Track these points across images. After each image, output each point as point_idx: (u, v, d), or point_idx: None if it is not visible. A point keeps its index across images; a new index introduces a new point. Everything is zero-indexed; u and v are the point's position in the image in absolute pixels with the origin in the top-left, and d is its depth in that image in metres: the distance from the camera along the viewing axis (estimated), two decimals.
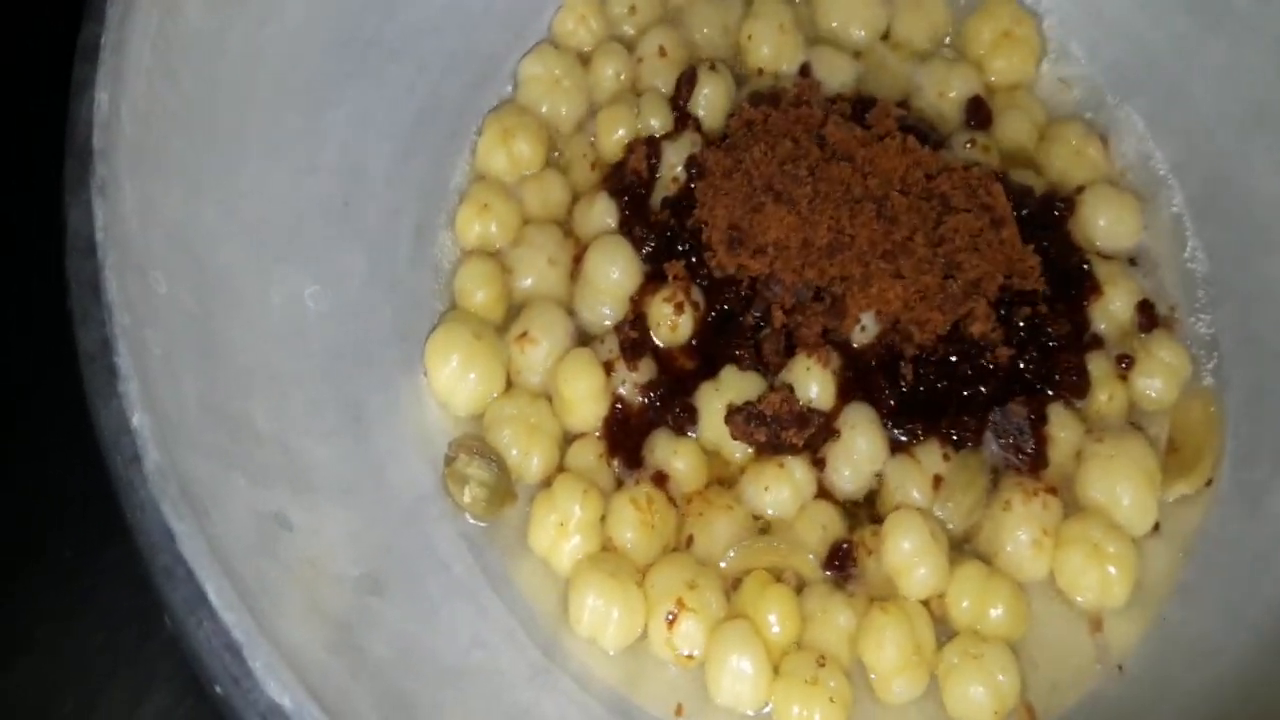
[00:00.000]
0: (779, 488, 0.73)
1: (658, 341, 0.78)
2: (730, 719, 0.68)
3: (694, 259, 0.80)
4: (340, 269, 0.75)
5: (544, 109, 0.86)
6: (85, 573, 0.79)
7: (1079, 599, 0.71)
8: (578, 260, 0.81)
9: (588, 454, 0.75)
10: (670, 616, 0.68)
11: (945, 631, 0.70)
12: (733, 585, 0.71)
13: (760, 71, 0.88)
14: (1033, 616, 0.71)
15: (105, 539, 0.78)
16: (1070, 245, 0.81)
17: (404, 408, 0.74)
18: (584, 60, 0.88)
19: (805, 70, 0.87)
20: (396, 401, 0.74)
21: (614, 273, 0.79)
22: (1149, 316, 0.79)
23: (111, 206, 0.59)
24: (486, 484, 0.71)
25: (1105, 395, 0.76)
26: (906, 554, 0.70)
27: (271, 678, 0.49)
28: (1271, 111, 0.80)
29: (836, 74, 0.87)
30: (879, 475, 0.74)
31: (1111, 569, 0.70)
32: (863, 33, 0.89)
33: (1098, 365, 0.77)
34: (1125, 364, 0.77)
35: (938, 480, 0.74)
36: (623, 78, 0.87)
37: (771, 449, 0.74)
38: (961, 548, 0.73)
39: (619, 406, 0.76)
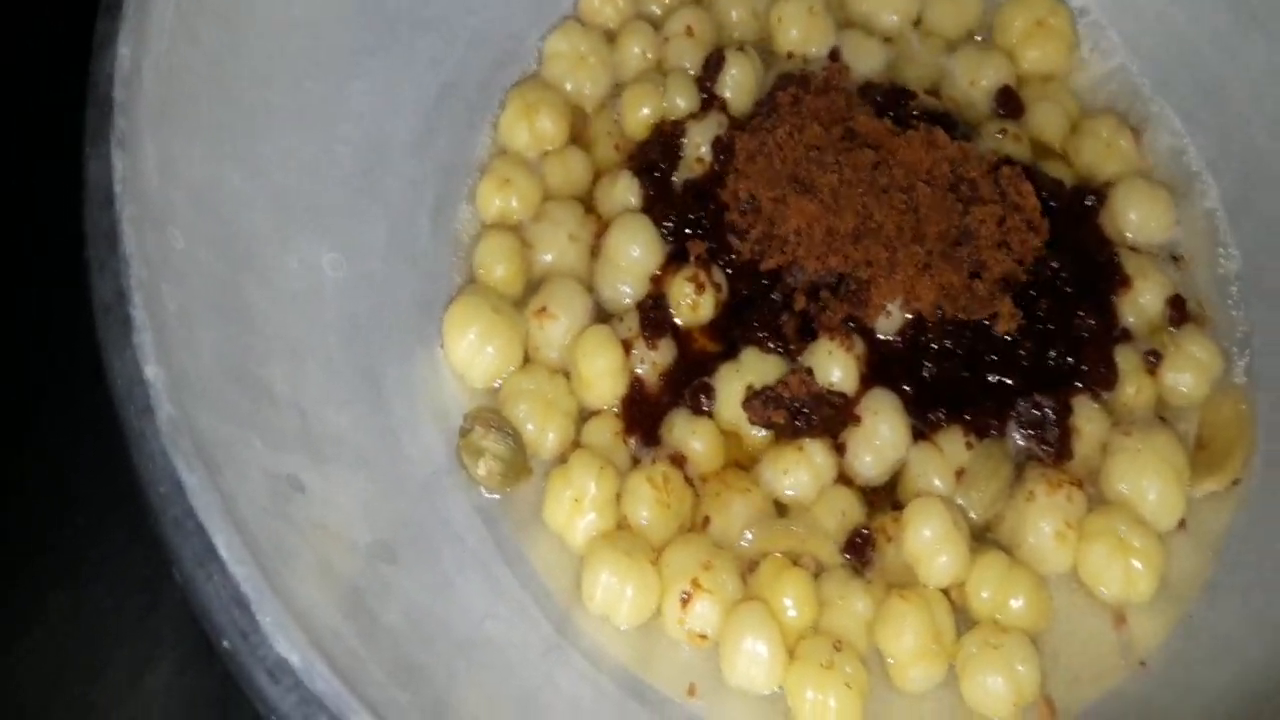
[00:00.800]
0: (798, 471, 0.72)
1: (678, 321, 0.77)
2: (743, 701, 0.67)
3: (716, 241, 0.79)
4: (360, 238, 0.74)
5: (568, 86, 0.85)
6: (96, 542, 0.78)
7: (1102, 592, 0.69)
8: (599, 238, 0.80)
9: (604, 431, 0.74)
10: (685, 596, 0.67)
11: (965, 622, 0.69)
12: (749, 568, 0.70)
13: (789, 55, 0.87)
14: (1055, 609, 0.69)
15: (116, 508, 0.77)
16: (1100, 238, 0.80)
17: (421, 379, 0.73)
18: (610, 38, 0.87)
19: (835, 55, 0.86)
20: (413, 373, 0.73)
21: (635, 250, 0.78)
22: (1180, 311, 0.78)
23: (131, 160, 0.59)
24: (501, 457, 0.70)
25: (1133, 389, 0.75)
26: (927, 541, 0.68)
27: (280, 634, 0.48)
28: None
29: (866, 59, 0.86)
30: (901, 462, 0.73)
31: (1136, 563, 0.69)
32: (894, 18, 0.88)
33: (1126, 359, 0.75)
34: (1154, 358, 0.76)
35: (960, 470, 0.72)
36: (649, 56, 0.86)
37: (790, 432, 0.73)
38: (983, 538, 0.72)
39: (637, 385, 0.75)
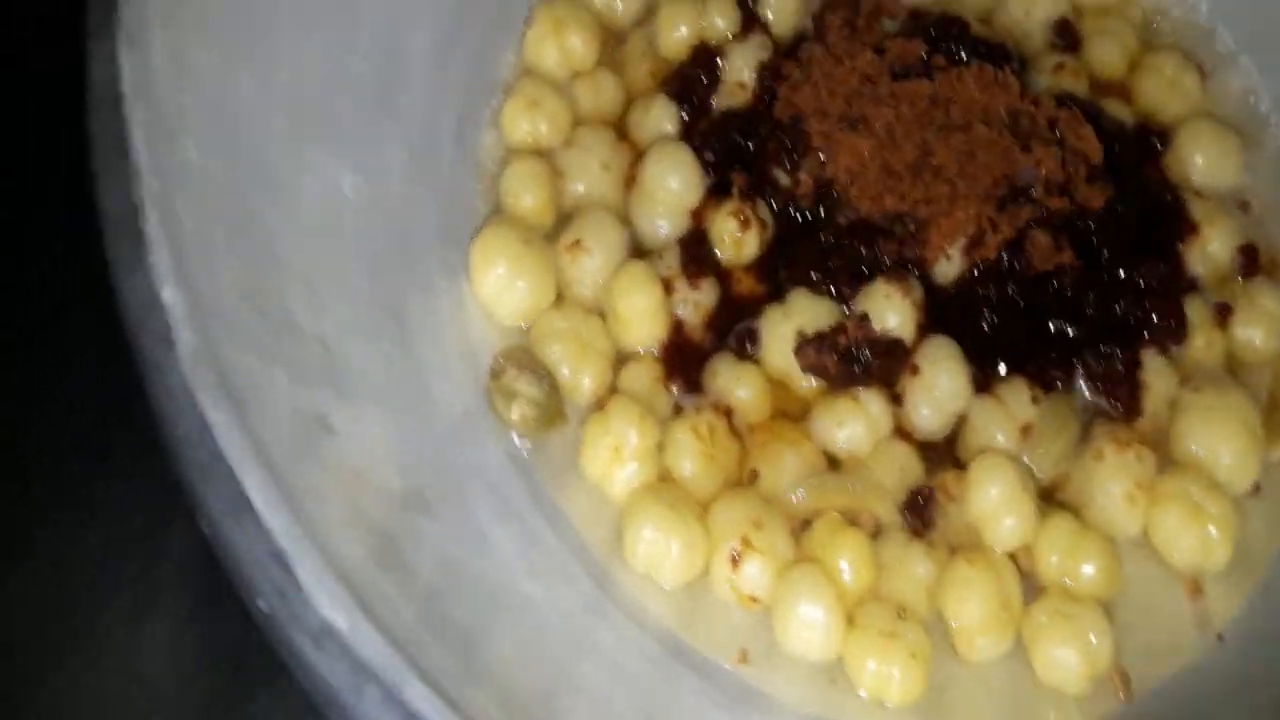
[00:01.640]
0: (853, 423, 0.67)
1: (721, 258, 0.72)
2: (798, 669, 0.62)
3: (761, 174, 0.73)
4: (379, 161, 0.68)
5: (599, 1, 0.79)
6: (91, 481, 0.72)
7: (1175, 559, 0.65)
8: (634, 167, 0.74)
9: (644, 376, 0.68)
10: (734, 555, 0.62)
11: (1030, 588, 0.64)
12: (801, 527, 0.65)
13: None
14: (1126, 577, 0.65)
15: (113, 446, 0.72)
16: (1164, 182, 0.75)
17: (446, 315, 0.68)
18: None
19: None
20: (438, 307, 0.67)
21: (673, 182, 0.72)
22: (1251, 260, 0.73)
23: (140, 59, 0.52)
24: (536, 401, 0.64)
25: (1202, 342, 0.70)
26: (993, 502, 0.64)
27: (323, 592, 0.42)
28: None
29: None
30: (961, 415, 0.68)
31: (1212, 529, 0.65)
32: None
33: (1195, 310, 0.71)
34: (1224, 311, 0.71)
35: (1025, 426, 0.68)
36: None
37: (844, 380, 0.68)
38: (1050, 499, 0.67)
39: (678, 327, 0.70)
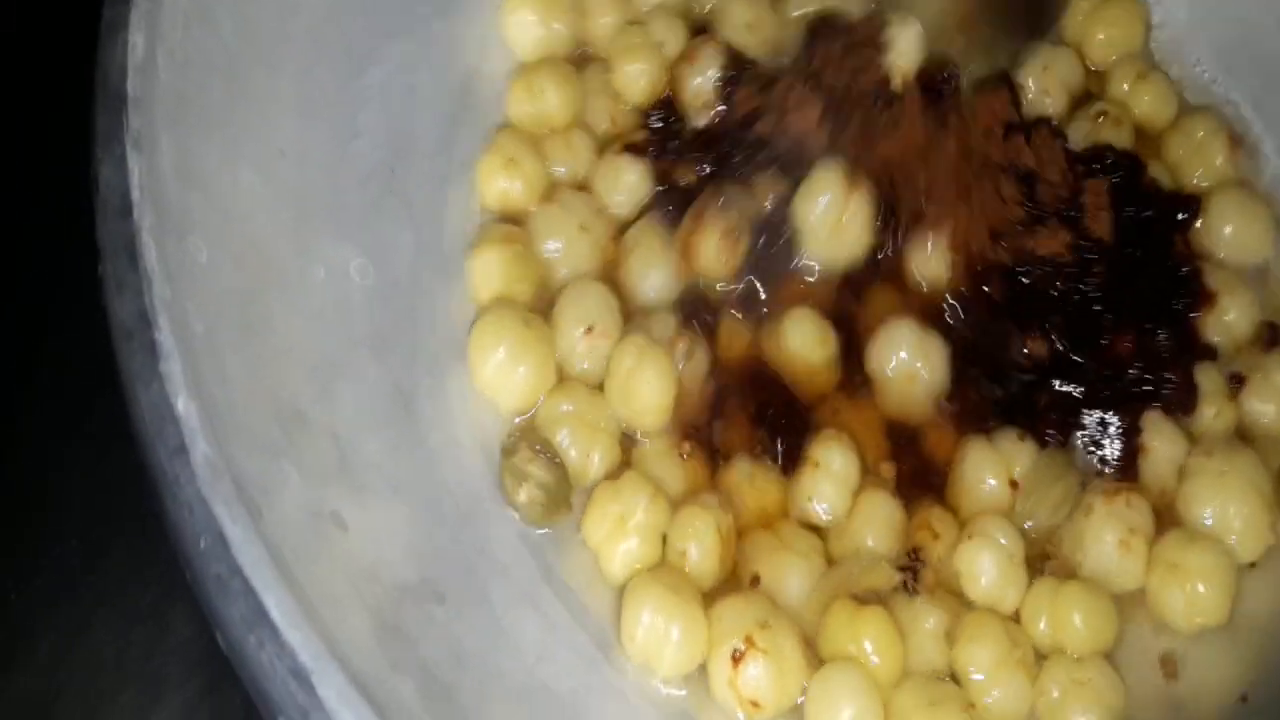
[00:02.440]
0: (821, 490, 0.66)
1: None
2: None
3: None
4: (385, 243, 0.68)
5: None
6: (94, 566, 0.72)
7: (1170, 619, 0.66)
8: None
9: (659, 455, 0.68)
10: (736, 654, 0.60)
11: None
12: (811, 634, 0.64)
13: None
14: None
15: (116, 530, 0.72)
16: (1187, 252, 0.75)
17: (456, 398, 0.67)
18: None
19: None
20: (448, 391, 0.67)
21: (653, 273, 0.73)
22: (1273, 335, 0.73)
23: (148, 162, 0.53)
24: (546, 486, 0.64)
25: (1212, 411, 0.70)
26: (988, 584, 0.64)
27: (346, 709, 0.42)
28: None
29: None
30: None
31: (1201, 587, 0.65)
32: None
33: (1207, 378, 0.71)
34: (1237, 382, 0.71)
35: (1015, 482, 0.68)
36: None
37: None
38: (1042, 568, 0.67)
39: (684, 394, 0.70)
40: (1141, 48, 0.83)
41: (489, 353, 0.68)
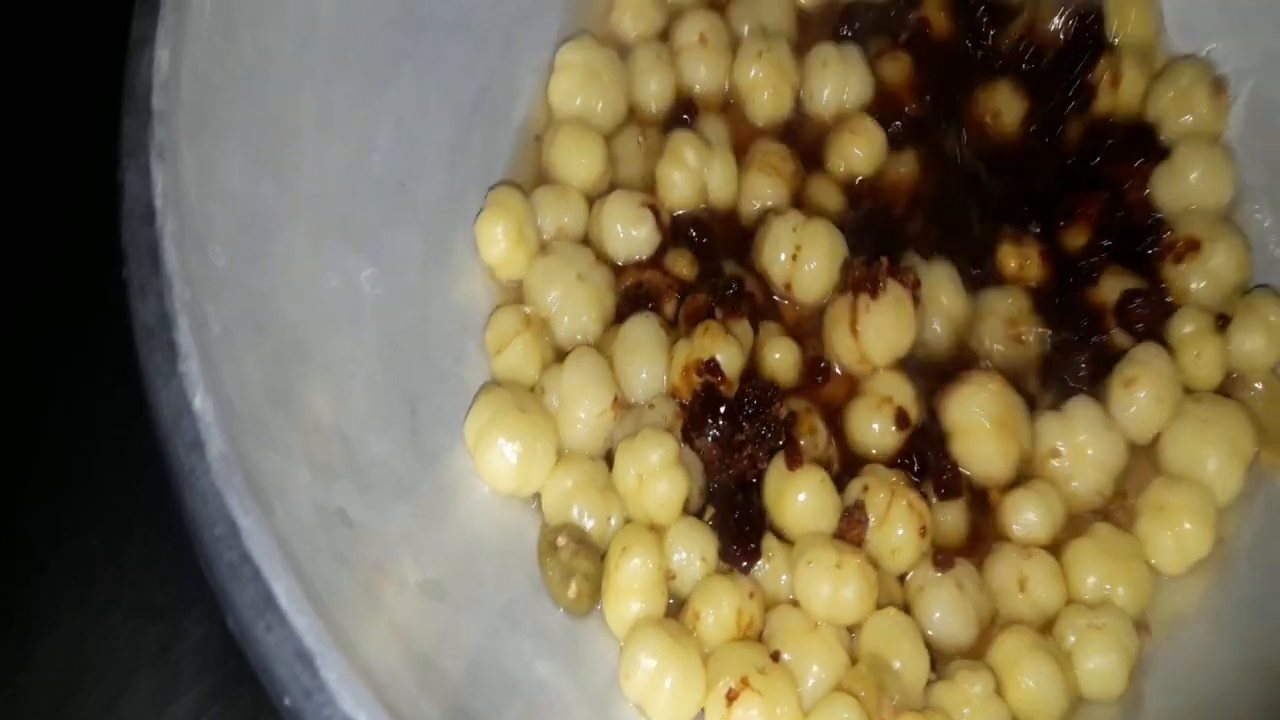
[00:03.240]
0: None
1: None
2: None
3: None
4: (397, 254, 0.71)
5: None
6: (112, 563, 0.74)
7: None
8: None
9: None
10: (731, 693, 0.60)
11: None
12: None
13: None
14: None
15: (134, 528, 0.74)
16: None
17: (459, 404, 0.69)
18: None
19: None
20: (452, 397, 0.69)
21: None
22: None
23: (171, 171, 0.55)
24: (590, 576, 0.64)
25: (1194, 355, 0.71)
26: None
27: (346, 690, 0.45)
28: None
29: None
30: None
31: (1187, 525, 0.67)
32: None
33: (1187, 321, 0.72)
34: (1224, 322, 0.72)
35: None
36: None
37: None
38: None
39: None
40: None
41: (489, 445, 0.66)
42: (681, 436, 0.68)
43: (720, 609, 0.63)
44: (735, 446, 0.67)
